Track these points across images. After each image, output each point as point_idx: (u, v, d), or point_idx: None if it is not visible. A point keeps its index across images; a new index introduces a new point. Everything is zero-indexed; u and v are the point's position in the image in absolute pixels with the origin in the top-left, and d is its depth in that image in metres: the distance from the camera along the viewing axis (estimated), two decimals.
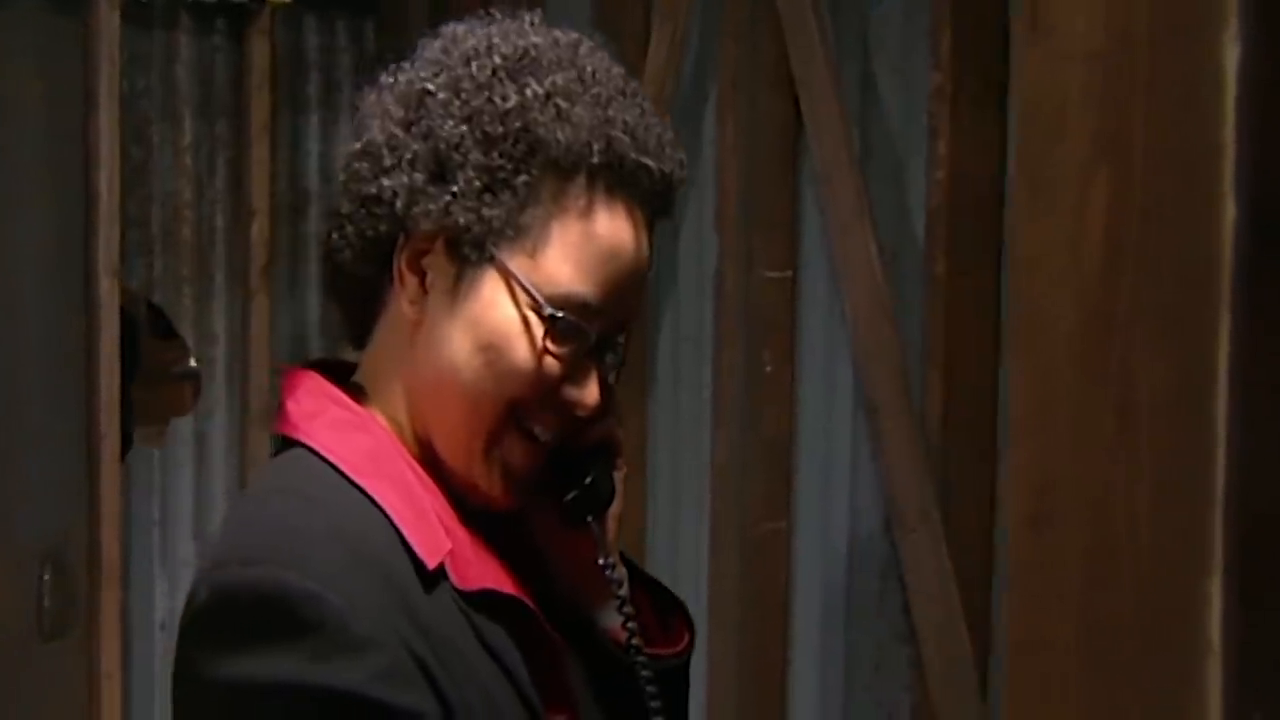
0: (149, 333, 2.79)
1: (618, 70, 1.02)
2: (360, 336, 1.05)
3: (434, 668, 0.91)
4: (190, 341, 2.85)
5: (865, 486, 2.16)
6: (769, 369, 2.25)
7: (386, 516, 0.94)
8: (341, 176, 1.02)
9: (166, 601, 2.87)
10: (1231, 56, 0.50)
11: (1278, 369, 0.52)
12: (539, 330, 0.96)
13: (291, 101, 2.97)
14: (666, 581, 2.53)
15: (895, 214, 2.12)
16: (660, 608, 1.10)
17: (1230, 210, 0.51)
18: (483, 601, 0.95)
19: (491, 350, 0.96)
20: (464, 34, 1.01)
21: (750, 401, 2.26)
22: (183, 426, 2.86)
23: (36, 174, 2.63)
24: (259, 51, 2.86)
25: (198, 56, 2.87)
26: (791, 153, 2.24)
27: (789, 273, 2.26)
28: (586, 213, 0.97)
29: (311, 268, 2.99)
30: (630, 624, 1.01)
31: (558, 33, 1.01)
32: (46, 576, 2.67)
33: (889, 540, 2.07)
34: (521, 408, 0.97)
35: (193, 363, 2.82)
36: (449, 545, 0.96)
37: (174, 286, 2.87)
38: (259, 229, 2.89)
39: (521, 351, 0.96)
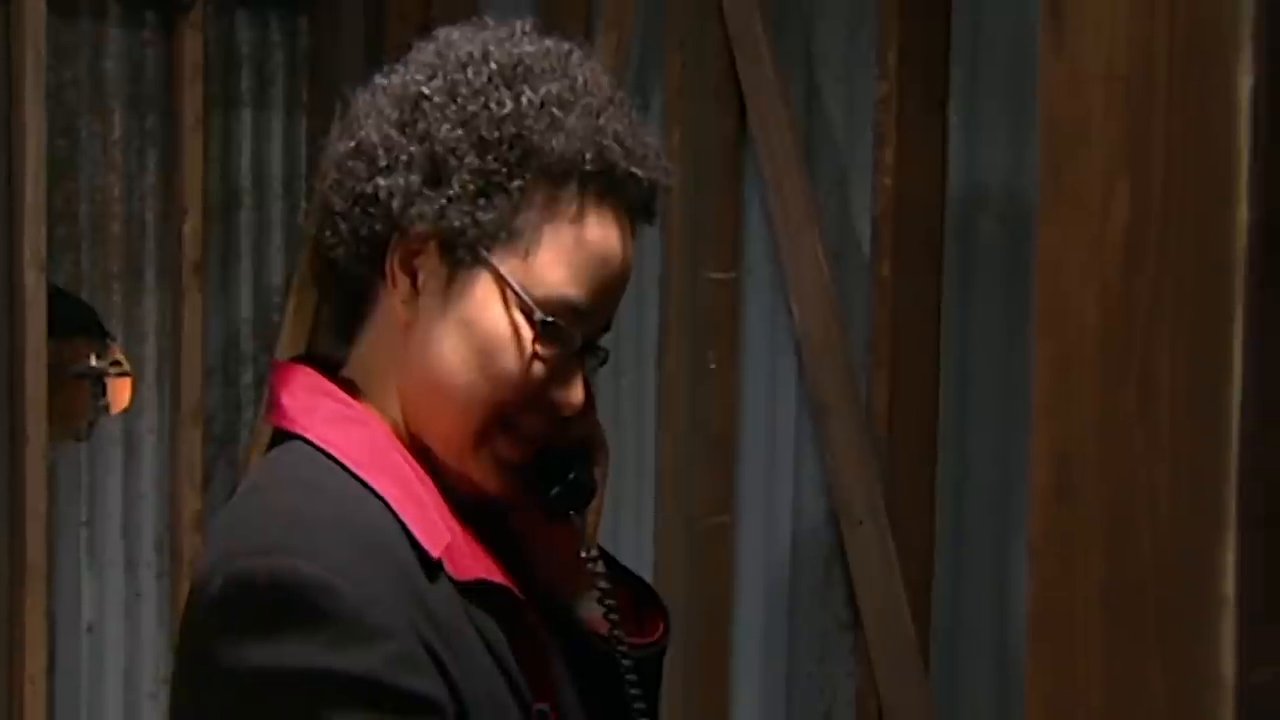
0: (48, 330, 2.74)
1: (607, 80, 1.05)
2: (348, 331, 1.07)
3: (444, 656, 0.94)
4: (119, 338, 2.81)
5: (809, 481, 2.23)
6: (713, 367, 2.30)
7: (388, 508, 0.97)
8: (334, 174, 1.03)
9: (93, 603, 2.82)
10: (1245, 83, 0.55)
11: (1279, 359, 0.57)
12: (528, 333, 0.99)
13: (224, 97, 2.95)
14: None
15: (840, 219, 2.19)
16: (635, 599, 1.14)
17: (1244, 215, 0.57)
18: (476, 591, 0.98)
19: (483, 354, 0.99)
20: (458, 39, 1.04)
21: (695, 399, 2.31)
22: (110, 426, 2.81)
23: None
24: (191, 46, 2.83)
25: (127, 49, 2.82)
26: (736, 159, 2.30)
27: (733, 274, 2.31)
28: (578, 218, 1.00)
29: (243, 265, 2.97)
30: (612, 614, 1.05)
31: (549, 42, 1.05)
32: None
33: (834, 533, 2.14)
34: (509, 409, 1.00)
35: (95, 361, 2.77)
36: (449, 536, 0.98)
37: (103, 283, 2.82)
38: (191, 226, 2.85)
39: (511, 356, 0.99)
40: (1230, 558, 0.53)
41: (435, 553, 0.97)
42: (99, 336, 2.80)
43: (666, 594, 2.31)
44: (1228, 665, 0.54)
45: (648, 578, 2.38)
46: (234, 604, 0.92)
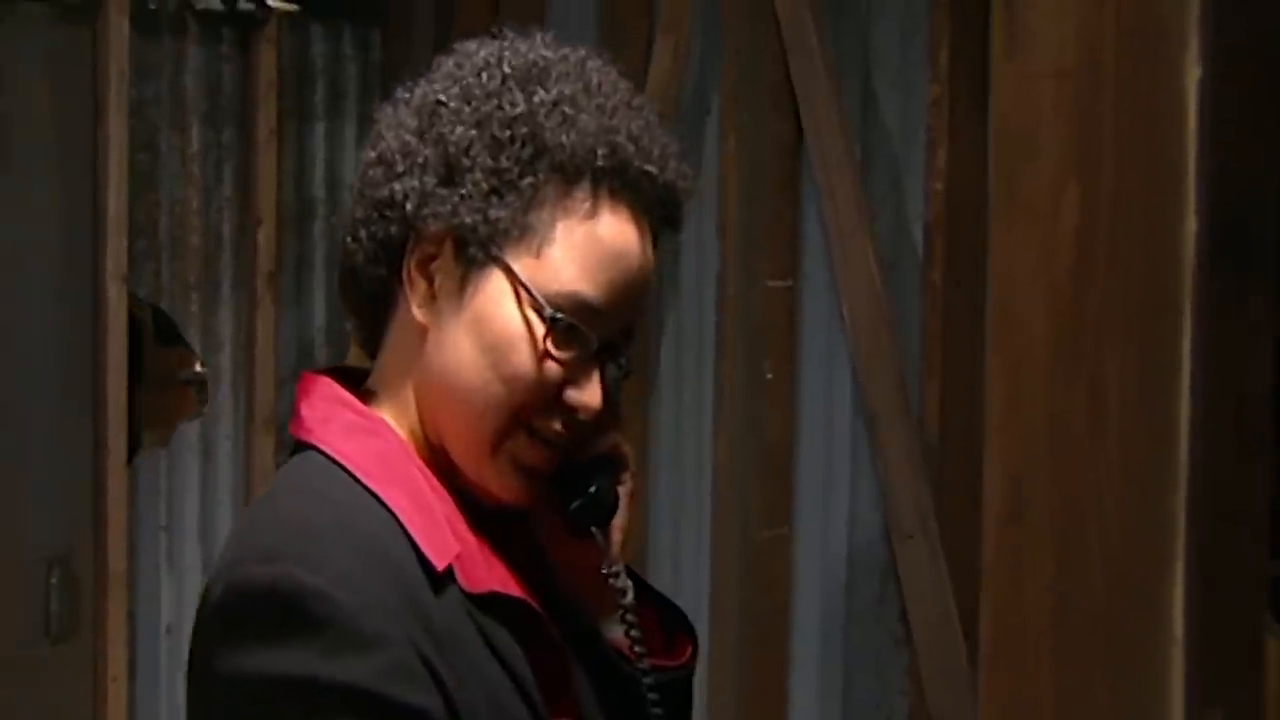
0: (155, 338, 2.82)
1: (625, 84, 1.04)
2: (373, 342, 1.07)
3: (441, 669, 0.93)
4: (197, 348, 2.88)
5: (865, 493, 2.18)
6: (770, 377, 2.27)
7: (396, 519, 0.96)
8: (356, 184, 1.05)
9: (172, 605, 2.88)
10: (1193, 76, 0.52)
11: (1234, 367, 0.54)
12: (540, 331, 0.97)
13: (298, 110, 3.00)
14: (668, 588, 2.55)
15: (894, 225, 2.15)
16: (665, 621, 1.11)
17: (1191, 221, 0.54)
18: (490, 604, 0.97)
19: (494, 352, 0.98)
20: (476, 48, 1.04)
21: (752, 409, 2.28)
22: (189, 432, 2.88)
23: (46, 182, 2.66)
24: (265, 60, 2.89)
25: (205, 65, 2.89)
26: (793, 165, 2.27)
27: (790, 282, 2.28)
28: (591, 215, 0.99)
29: (317, 275, 3.01)
30: (633, 633, 1.03)
31: (568, 49, 1.04)
32: (54, 580, 2.69)
33: (888, 546, 2.09)
34: (526, 412, 0.99)
35: (199, 368, 2.85)
36: (457, 548, 0.97)
37: (181, 293, 2.89)
38: (265, 236, 2.91)
39: (524, 354, 0.98)
40: (1179, 592, 0.50)
41: (440, 565, 0.96)
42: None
43: (722, 608, 2.29)
44: (1176, 705, 0.50)
45: (704, 590, 2.37)
46: (233, 610, 0.93)
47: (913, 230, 2.10)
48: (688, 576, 2.44)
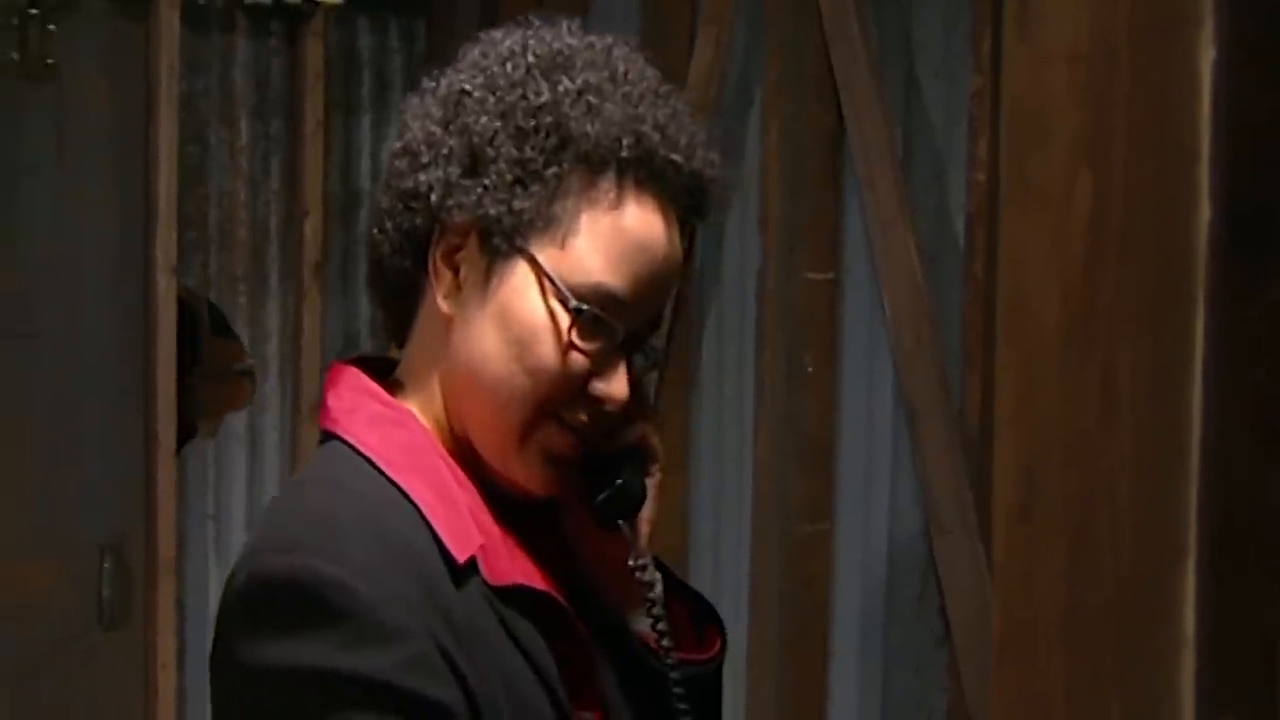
0: (210, 330, 2.86)
1: (652, 72, 1.03)
2: (401, 333, 1.07)
3: (460, 661, 0.93)
4: (244, 338, 2.91)
5: (906, 488, 2.16)
6: (811, 370, 2.25)
7: (419, 510, 0.96)
8: (384, 176, 1.05)
9: (220, 594, 2.91)
10: (1207, 58, 0.50)
11: (1251, 356, 0.52)
12: (565, 322, 0.97)
13: (344, 102, 3.02)
14: (708, 582, 2.54)
15: (936, 217, 2.12)
16: (694, 615, 1.11)
17: (1205, 208, 0.52)
18: (514, 596, 0.97)
19: (519, 344, 0.97)
20: (502, 38, 1.04)
21: (792, 403, 2.26)
22: (236, 422, 2.91)
23: (100, 175, 2.70)
24: (312, 52, 2.91)
25: (254, 58, 2.92)
26: (835, 156, 2.25)
27: (831, 274, 2.26)
28: (616, 205, 0.98)
29: (362, 266, 3.02)
30: (659, 626, 1.02)
31: (594, 37, 1.03)
32: (106, 568, 2.74)
33: (928, 541, 2.07)
34: (551, 404, 0.98)
35: (250, 360, 2.88)
36: (480, 540, 0.97)
37: (229, 285, 2.92)
38: (312, 228, 2.93)
39: (548, 346, 0.97)
40: (1190, 590, 0.48)
41: (461, 557, 0.96)
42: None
43: (762, 602, 2.28)
44: (1186, 709, 0.49)
45: (744, 585, 2.35)
46: (254, 600, 0.93)
47: (955, 222, 2.08)
48: (728, 571, 2.43)
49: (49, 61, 2.66)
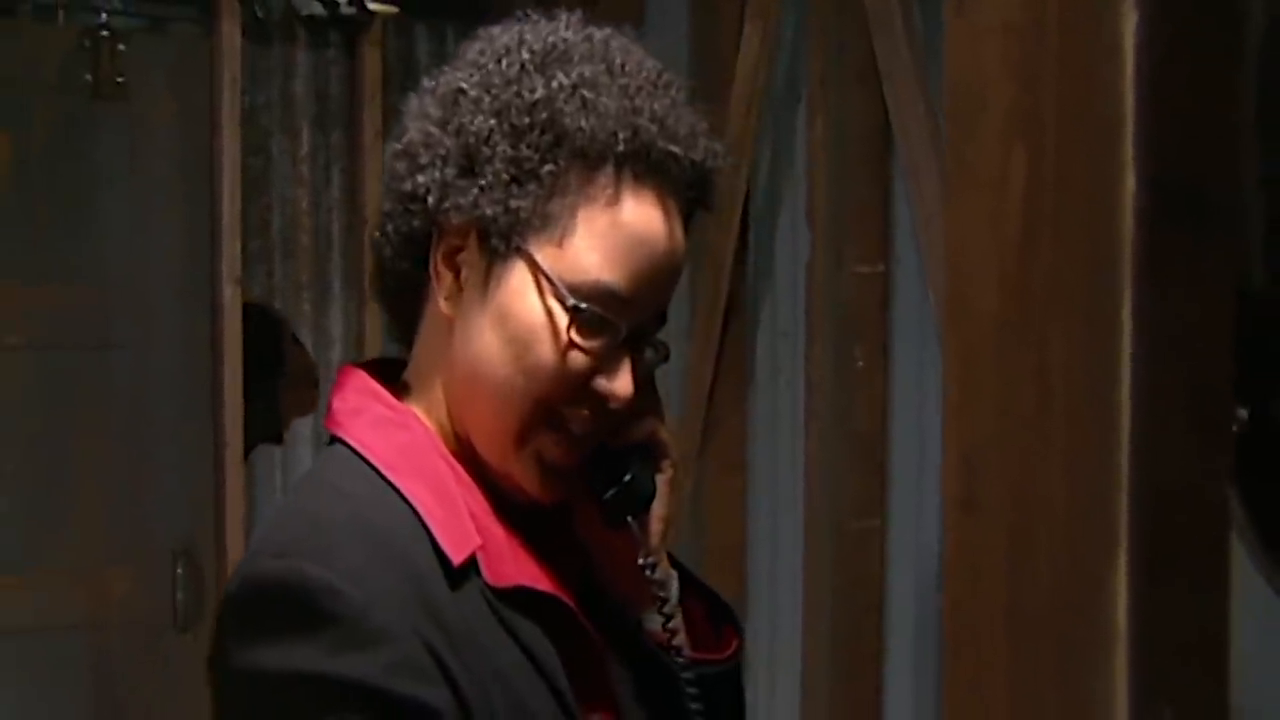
0: (291, 338, 2.92)
1: (651, 63, 1.02)
2: (407, 336, 1.07)
3: (452, 664, 0.92)
4: (309, 345, 2.96)
5: None
6: (861, 364, 2.22)
7: (416, 513, 0.96)
8: (384, 177, 1.05)
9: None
10: (1129, 21, 0.48)
11: (1178, 342, 0.50)
12: (564, 321, 0.96)
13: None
14: (765, 579, 2.51)
15: None
16: (713, 615, 1.10)
17: (1130, 184, 0.50)
18: (516, 598, 0.96)
19: (518, 344, 0.97)
20: (499, 33, 1.03)
21: (842, 398, 2.23)
22: (302, 426, 2.96)
23: (169, 189, 2.77)
24: (371, 62, 2.95)
25: (313, 70, 2.96)
26: (882, 148, 2.22)
27: (880, 267, 2.23)
28: (613, 201, 0.97)
29: None
30: (670, 624, 1.01)
31: (592, 29, 1.02)
32: (180, 570, 2.80)
33: None
34: (552, 404, 0.98)
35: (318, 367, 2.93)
36: (478, 541, 0.97)
37: (293, 293, 2.97)
38: (372, 236, 2.97)
39: (546, 346, 0.96)
40: (1122, 582, 0.46)
41: (457, 558, 0.96)
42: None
43: (815, 599, 2.25)
44: (1121, 705, 0.47)
45: (799, 581, 2.33)
46: (246, 604, 0.94)
47: None
48: (784, 568, 2.40)
49: (119, 80, 2.74)
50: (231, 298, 2.81)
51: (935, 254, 2.05)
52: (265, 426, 2.81)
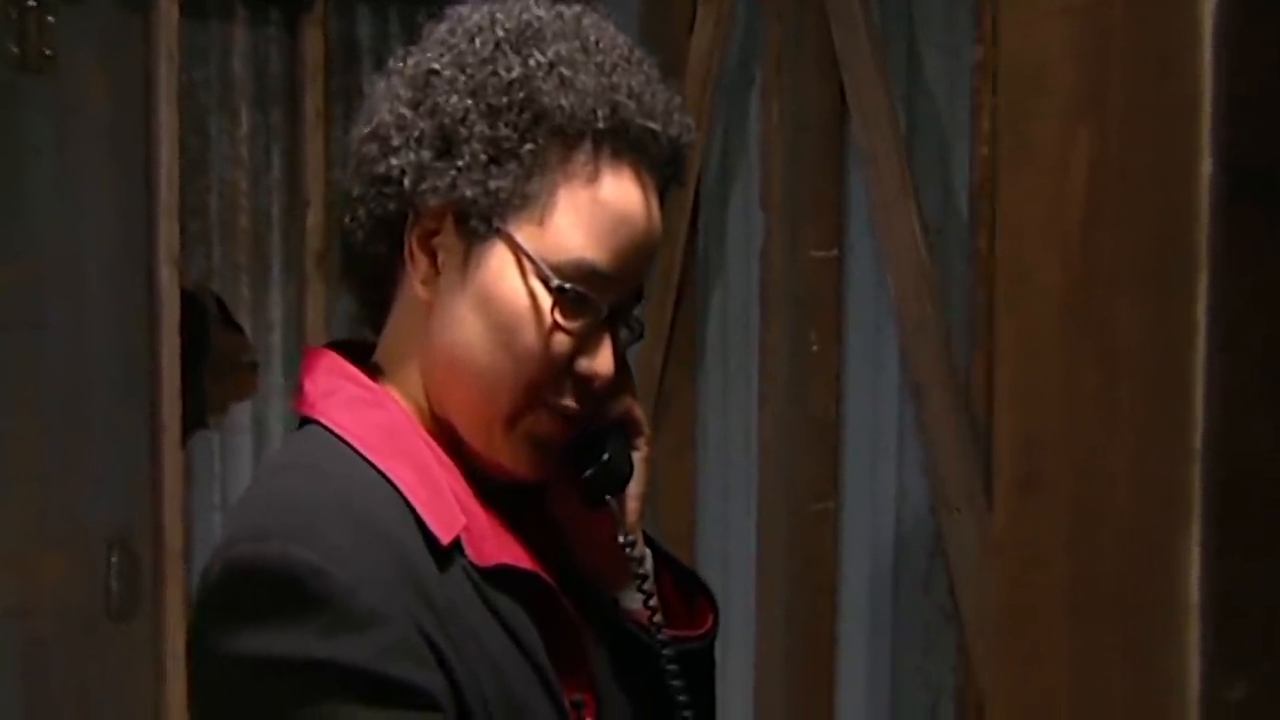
0: (217, 322, 2.85)
1: (623, 39, 1.02)
2: (374, 319, 1.05)
3: (442, 644, 0.92)
4: (248, 329, 2.90)
5: (912, 466, 2.15)
6: (815, 348, 2.23)
7: (400, 493, 0.95)
8: (352, 161, 1.03)
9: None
10: (1208, 9, 0.49)
11: (1253, 323, 0.51)
12: (547, 302, 0.95)
13: (345, 91, 3.00)
14: (717, 562, 2.52)
15: (940, 192, 2.10)
16: (685, 590, 1.10)
17: (1206, 165, 0.50)
18: (499, 577, 0.96)
19: (503, 329, 0.96)
20: (468, 13, 1.02)
21: (797, 381, 2.25)
22: (241, 413, 2.90)
23: (101, 167, 2.69)
24: (312, 41, 2.89)
25: (253, 48, 2.90)
26: (837, 132, 2.23)
27: (835, 252, 2.24)
28: (593, 178, 0.96)
29: None
30: (650, 602, 1.01)
31: (561, 7, 1.02)
32: (114, 560, 2.74)
33: (936, 520, 2.06)
34: (538, 387, 0.97)
35: (254, 351, 2.88)
36: (463, 521, 0.96)
37: (232, 275, 2.91)
38: (313, 217, 2.92)
39: (531, 329, 0.96)
40: (1194, 558, 0.47)
41: (445, 539, 0.95)
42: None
43: (769, 582, 2.27)
44: (1193, 679, 0.47)
45: (751, 565, 2.34)
46: (229, 590, 0.92)
47: (959, 196, 2.06)
48: (736, 550, 2.42)
49: (47, 53, 2.65)
50: (169, 279, 2.74)
51: (893, 239, 2.07)
52: (190, 413, 2.75)
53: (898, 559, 2.15)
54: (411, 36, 3.47)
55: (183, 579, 2.77)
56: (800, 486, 2.23)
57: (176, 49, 2.71)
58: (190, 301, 2.73)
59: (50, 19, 2.65)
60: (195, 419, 2.81)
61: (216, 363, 2.85)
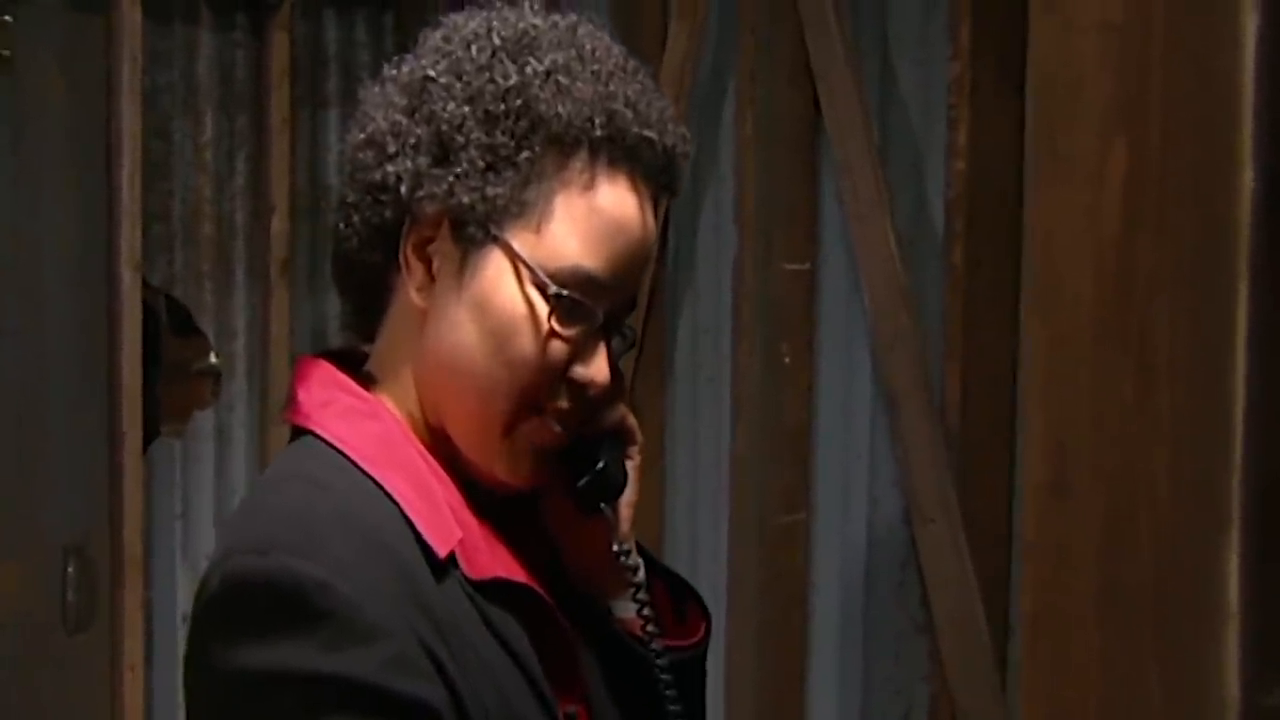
0: (170, 329, 2.81)
1: (618, 49, 1.02)
2: (369, 329, 1.04)
3: (443, 657, 0.91)
4: (211, 336, 2.87)
5: (884, 477, 2.16)
6: (788, 360, 2.25)
7: (397, 505, 0.94)
8: (346, 168, 1.02)
9: (188, 594, 2.87)
10: (1250, 25, 0.50)
11: None
12: (544, 310, 0.95)
13: (311, 97, 2.98)
14: (686, 573, 2.53)
15: (914, 204, 2.12)
16: (676, 598, 1.10)
17: (1248, 178, 0.51)
18: (494, 590, 0.95)
19: (498, 336, 0.95)
20: (464, 21, 1.02)
21: (769, 393, 2.26)
22: (203, 421, 2.87)
23: (60, 170, 2.65)
24: (278, 47, 2.87)
25: (218, 52, 2.87)
26: (810, 145, 2.24)
27: (807, 265, 2.26)
28: (590, 186, 0.96)
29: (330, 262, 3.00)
30: (645, 612, 1.01)
31: (557, 16, 1.02)
32: (70, 570, 2.69)
33: (908, 531, 2.07)
34: (534, 395, 0.97)
35: (213, 358, 2.84)
36: (460, 534, 0.95)
37: (195, 282, 2.88)
38: (278, 224, 2.89)
39: (527, 337, 0.95)
40: (1233, 567, 0.48)
41: (442, 551, 0.94)
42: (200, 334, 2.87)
43: (740, 593, 2.27)
44: (1231, 685, 0.48)
45: (722, 576, 2.35)
46: (230, 603, 0.91)
47: (933, 210, 2.08)
48: (705, 563, 2.42)
49: (5, 54, 2.61)
50: (130, 284, 2.70)
51: (867, 252, 2.08)
52: (145, 422, 2.71)
53: (870, 570, 2.16)
54: (378, 42, 3.46)
55: (141, 589, 2.72)
56: (772, 498, 2.24)
57: (140, 52, 2.68)
58: (142, 308, 2.69)
59: (7, 19, 2.61)
60: (150, 428, 2.76)
61: (168, 370, 2.81)
